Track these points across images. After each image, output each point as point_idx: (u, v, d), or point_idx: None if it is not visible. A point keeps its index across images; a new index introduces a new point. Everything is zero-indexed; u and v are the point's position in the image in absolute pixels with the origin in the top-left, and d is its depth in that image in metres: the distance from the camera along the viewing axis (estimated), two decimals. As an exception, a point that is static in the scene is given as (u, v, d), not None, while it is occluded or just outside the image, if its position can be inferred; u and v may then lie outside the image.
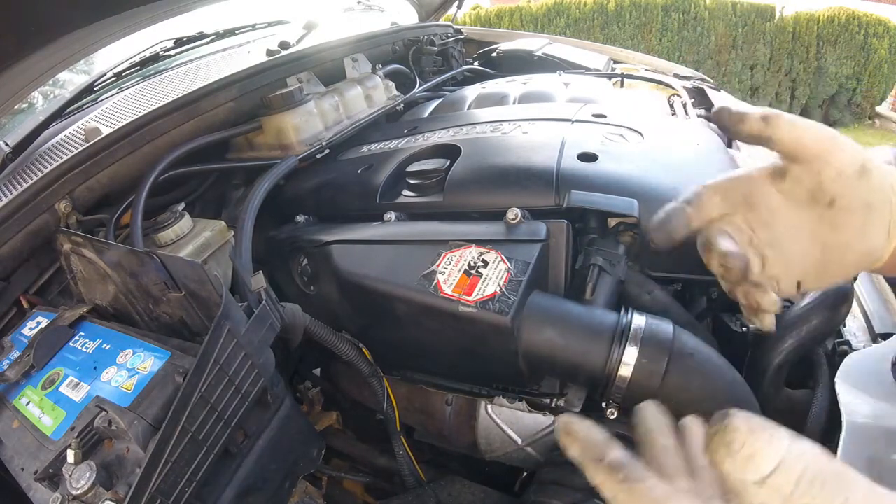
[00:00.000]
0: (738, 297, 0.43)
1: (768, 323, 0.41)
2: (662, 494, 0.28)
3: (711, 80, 1.55)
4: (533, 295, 0.57)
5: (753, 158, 1.06)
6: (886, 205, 0.37)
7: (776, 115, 0.37)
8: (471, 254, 0.60)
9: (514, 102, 1.11)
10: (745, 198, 0.41)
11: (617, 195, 0.62)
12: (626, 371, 0.51)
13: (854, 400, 0.50)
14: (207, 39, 1.37)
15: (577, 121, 0.82)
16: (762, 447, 0.24)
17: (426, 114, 1.19)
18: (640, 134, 0.77)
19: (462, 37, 1.80)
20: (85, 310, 0.66)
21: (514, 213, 0.62)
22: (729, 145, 1.04)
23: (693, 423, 0.34)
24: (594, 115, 0.84)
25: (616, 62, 1.71)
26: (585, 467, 0.30)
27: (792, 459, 0.24)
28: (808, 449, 0.24)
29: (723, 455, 0.25)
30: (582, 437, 0.30)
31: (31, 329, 0.66)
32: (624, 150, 0.72)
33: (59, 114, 0.99)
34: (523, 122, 0.85)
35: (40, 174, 0.75)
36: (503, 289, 0.55)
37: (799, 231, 0.39)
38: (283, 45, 1.22)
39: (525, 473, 0.70)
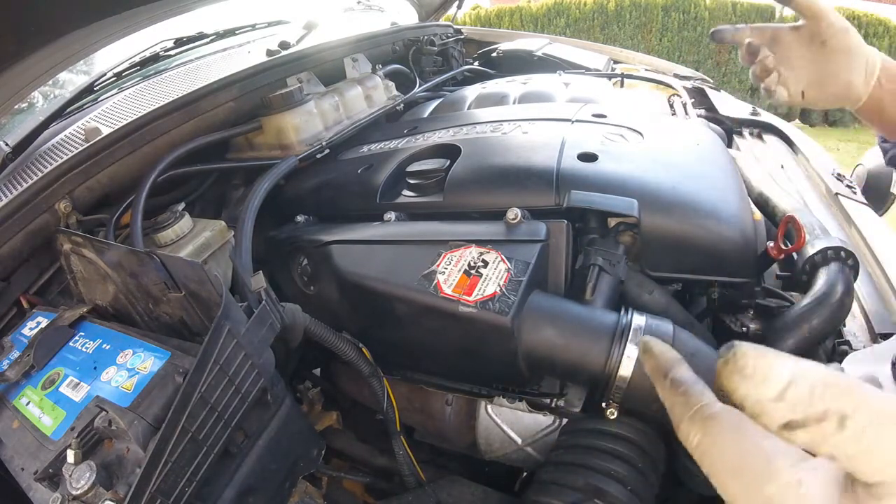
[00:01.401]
0: (762, 86, 0.66)
1: (779, 95, 0.61)
2: (718, 410, 0.28)
3: (711, 80, 1.55)
4: (533, 295, 0.57)
5: (753, 158, 1.06)
6: (862, 56, 0.59)
7: None
8: (471, 254, 0.60)
9: (514, 102, 1.11)
10: (772, 37, 0.64)
11: (617, 195, 0.62)
12: (626, 371, 0.51)
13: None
14: (207, 39, 1.37)
15: (577, 121, 0.82)
16: (772, 365, 0.25)
17: (426, 114, 1.19)
18: (640, 134, 0.77)
19: (462, 37, 1.80)
20: (85, 310, 0.66)
21: (514, 213, 0.62)
22: (728, 145, 1.04)
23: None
24: (594, 115, 0.84)
25: (616, 62, 1.71)
26: (654, 381, 0.32)
27: (803, 372, 0.25)
28: (813, 365, 0.26)
29: (737, 381, 0.26)
30: (656, 353, 0.33)
31: (31, 329, 0.66)
32: (624, 150, 0.72)
33: (59, 114, 0.99)
34: (523, 122, 0.85)
35: (40, 174, 0.75)
36: (503, 289, 0.55)
37: (804, 59, 0.62)
38: (283, 45, 1.22)
39: (525, 473, 0.70)
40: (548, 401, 0.63)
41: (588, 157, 0.69)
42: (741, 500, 0.26)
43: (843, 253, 0.60)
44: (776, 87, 0.64)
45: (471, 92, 1.20)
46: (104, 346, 0.59)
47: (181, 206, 0.81)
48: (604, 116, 0.83)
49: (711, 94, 1.34)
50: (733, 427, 0.26)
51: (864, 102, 0.60)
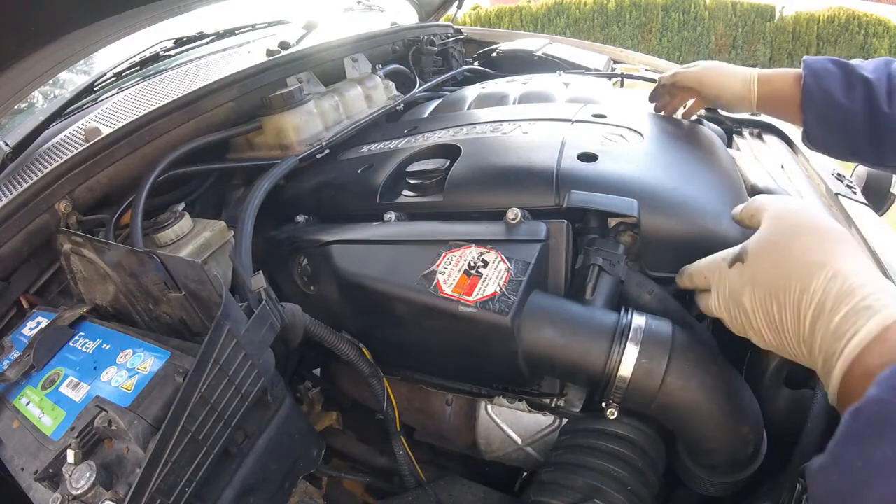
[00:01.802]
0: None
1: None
2: (707, 259, 0.53)
3: (711, 80, 1.55)
4: (533, 295, 0.57)
5: (753, 158, 1.06)
6: (736, 84, 0.79)
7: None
8: (471, 254, 0.60)
9: (514, 102, 1.11)
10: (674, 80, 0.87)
11: (617, 195, 0.62)
12: (626, 371, 0.51)
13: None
14: (207, 39, 1.37)
15: (577, 121, 0.82)
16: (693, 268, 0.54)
17: (426, 114, 1.19)
18: (640, 134, 0.77)
19: (462, 37, 1.80)
20: (85, 310, 0.67)
21: (514, 213, 0.62)
22: (728, 145, 1.04)
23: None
24: (594, 116, 0.84)
25: (616, 62, 1.71)
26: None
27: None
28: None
29: (686, 282, 0.55)
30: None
31: (31, 329, 0.66)
32: (624, 150, 0.72)
33: (59, 114, 0.99)
34: (523, 122, 0.85)
35: (40, 174, 0.75)
36: (503, 289, 0.55)
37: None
38: (283, 45, 1.22)
39: (525, 473, 0.70)
40: (548, 401, 0.63)
41: (588, 158, 0.69)
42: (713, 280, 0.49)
43: (843, 253, 0.60)
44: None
45: (471, 92, 1.20)
46: (104, 346, 0.59)
47: (181, 206, 0.82)
48: (604, 116, 0.83)
49: (711, 94, 1.33)
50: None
51: (757, 106, 0.79)
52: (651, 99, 0.92)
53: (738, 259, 0.46)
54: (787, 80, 0.75)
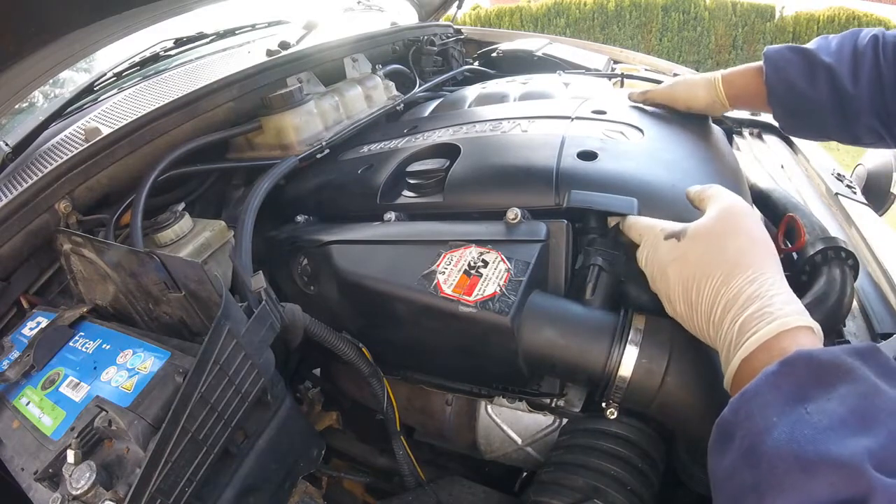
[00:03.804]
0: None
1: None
2: (647, 220, 0.55)
3: (711, 80, 1.55)
4: (533, 295, 0.57)
5: (753, 158, 1.06)
6: (702, 91, 0.81)
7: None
8: (471, 254, 0.60)
9: (513, 102, 1.11)
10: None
11: (617, 194, 0.62)
12: (625, 371, 0.51)
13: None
14: (207, 39, 1.37)
15: (576, 118, 0.82)
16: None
17: (426, 114, 1.19)
18: (641, 131, 0.77)
19: (462, 37, 1.80)
20: (85, 310, 0.67)
21: (513, 213, 0.62)
22: (729, 143, 1.04)
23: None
24: (594, 112, 0.83)
25: (616, 62, 1.71)
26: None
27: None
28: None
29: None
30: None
31: (31, 329, 0.66)
32: (624, 147, 0.72)
33: (59, 114, 0.99)
34: (523, 120, 0.85)
35: (40, 174, 0.75)
36: (503, 289, 0.55)
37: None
38: (283, 45, 1.22)
39: (525, 473, 0.70)
40: (548, 401, 0.63)
41: (588, 156, 0.69)
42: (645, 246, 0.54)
43: (843, 253, 0.60)
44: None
45: (471, 92, 1.20)
46: (104, 346, 0.59)
47: (181, 206, 0.81)
48: (604, 113, 0.83)
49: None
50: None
51: (730, 107, 0.81)
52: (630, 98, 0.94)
53: (675, 237, 0.50)
54: (750, 77, 0.77)
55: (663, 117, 0.84)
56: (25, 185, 0.74)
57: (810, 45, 0.72)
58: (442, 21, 1.82)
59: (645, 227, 0.55)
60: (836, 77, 0.67)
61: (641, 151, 0.72)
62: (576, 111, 0.84)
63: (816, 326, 0.41)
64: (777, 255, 0.47)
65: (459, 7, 1.80)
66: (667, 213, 0.61)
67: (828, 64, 0.68)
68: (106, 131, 0.82)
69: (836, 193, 0.89)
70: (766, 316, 0.40)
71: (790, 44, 0.75)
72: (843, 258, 0.60)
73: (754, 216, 0.50)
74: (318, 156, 0.97)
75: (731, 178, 0.73)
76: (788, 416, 0.32)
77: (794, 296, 0.43)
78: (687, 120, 0.84)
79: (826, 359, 0.34)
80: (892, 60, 0.64)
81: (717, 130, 0.85)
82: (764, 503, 0.30)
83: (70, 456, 0.45)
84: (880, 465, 0.27)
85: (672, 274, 0.49)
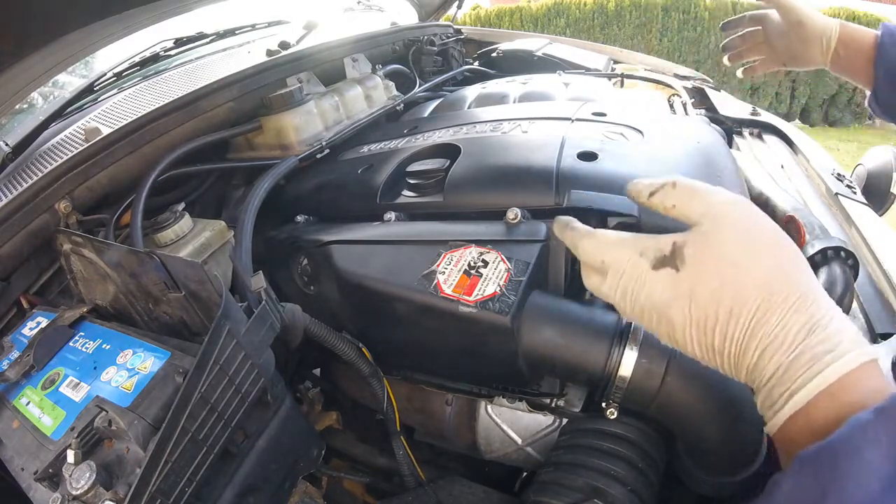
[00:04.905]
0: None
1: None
2: (614, 238, 0.41)
3: (711, 80, 1.55)
4: (533, 295, 0.57)
5: (753, 158, 1.06)
6: (818, 38, 0.78)
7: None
8: (471, 254, 0.60)
9: (514, 102, 1.11)
10: (762, 18, 0.86)
11: (617, 194, 0.62)
12: (625, 371, 0.51)
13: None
14: (207, 39, 1.37)
15: (577, 119, 0.82)
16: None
17: (426, 114, 1.19)
18: (641, 132, 0.77)
19: (462, 37, 1.80)
20: (85, 310, 0.66)
21: (513, 213, 0.62)
22: (728, 145, 1.04)
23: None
24: (594, 114, 0.84)
25: (616, 62, 1.71)
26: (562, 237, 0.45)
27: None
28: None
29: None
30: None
31: (31, 329, 0.66)
32: (624, 148, 0.72)
33: (59, 114, 0.99)
34: (523, 121, 0.85)
35: (40, 174, 0.75)
36: (503, 289, 0.55)
37: (781, 39, 0.84)
38: (283, 45, 1.22)
39: (525, 473, 0.70)
40: (548, 401, 0.63)
41: (588, 156, 0.69)
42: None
43: (843, 253, 0.60)
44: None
45: (471, 92, 1.20)
46: (104, 346, 0.59)
47: (181, 206, 0.81)
48: (604, 115, 0.83)
49: (711, 94, 1.34)
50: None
51: (830, 66, 0.80)
52: (723, 28, 0.91)
53: (670, 264, 0.37)
54: (862, 36, 0.77)
55: (663, 119, 0.84)
56: (25, 185, 0.74)
57: None
58: (442, 21, 1.82)
59: (613, 252, 0.40)
60: None
61: (641, 152, 0.72)
62: (576, 113, 0.84)
63: (876, 353, 0.33)
64: (801, 254, 0.37)
65: (459, 7, 1.80)
66: (667, 213, 0.61)
67: None
68: (106, 131, 0.82)
69: (836, 193, 0.89)
70: (824, 354, 0.32)
71: None
72: (842, 258, 0.60)
73: (760, 212, 0.39)
74: (318, 156, 0.97)
75: (731, 178, 0.73)
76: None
77: (842, 312, 0.35)
78: (687, 121, 0.84)
79: None
80: None
81: (716, 131, 0.85)
82: None
83: (70, 456, 0.45)
84: None
85: (678, 317, 0.37)
